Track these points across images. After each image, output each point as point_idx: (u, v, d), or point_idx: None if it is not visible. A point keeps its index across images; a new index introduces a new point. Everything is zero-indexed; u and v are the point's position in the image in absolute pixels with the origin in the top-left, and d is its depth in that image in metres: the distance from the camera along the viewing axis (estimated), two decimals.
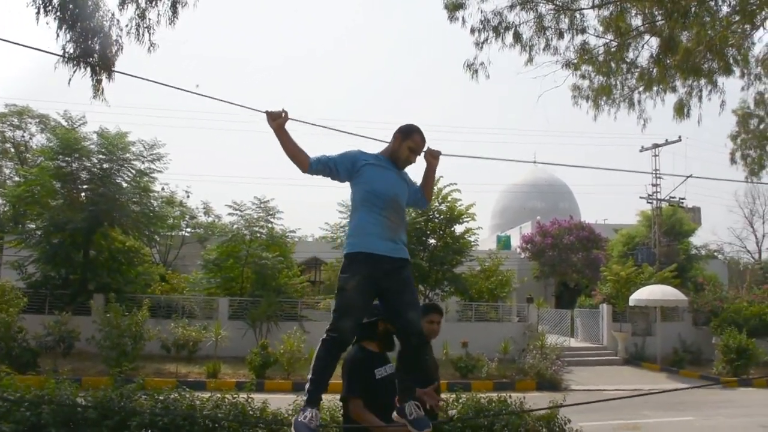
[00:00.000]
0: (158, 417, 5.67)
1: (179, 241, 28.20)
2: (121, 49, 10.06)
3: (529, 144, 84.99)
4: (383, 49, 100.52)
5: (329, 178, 3.70)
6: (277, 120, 3.48)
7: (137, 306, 15.89)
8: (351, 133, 4.15)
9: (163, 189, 27.30)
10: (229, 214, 20.40)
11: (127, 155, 18.56)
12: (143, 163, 19.07)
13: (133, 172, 18.98)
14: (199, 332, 16.70)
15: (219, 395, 6.45)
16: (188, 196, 28.37)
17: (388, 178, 3.63)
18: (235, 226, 19.92)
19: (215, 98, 3.97)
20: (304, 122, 4.14)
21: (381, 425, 4.03)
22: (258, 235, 19.49)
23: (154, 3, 9.51)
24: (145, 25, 10.35)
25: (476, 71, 11.95)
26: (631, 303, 21.64)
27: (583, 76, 12.90)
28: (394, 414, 3.64)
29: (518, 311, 22.93)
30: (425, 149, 3.80)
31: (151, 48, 10.53)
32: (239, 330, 18.16)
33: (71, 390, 6.11)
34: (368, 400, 4.17)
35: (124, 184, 18.96)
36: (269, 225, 20.11)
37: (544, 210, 38.69)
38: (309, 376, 3.47)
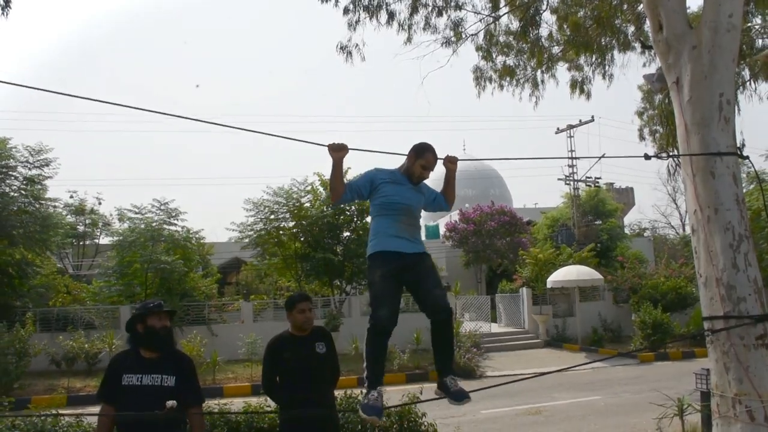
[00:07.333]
0: None
1: (93, 250, 27.03)
2: None
3: (446, 131, 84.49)
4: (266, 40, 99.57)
5: (357, 200, 4.26)
6: (339, 153, 3.83)
7: (20, 321, 14.95)
8: (389, 152, 4.49)
9: (71, 197, 26.24)
10: (128, 218, 19.52)
11: (10, 161, 17.41)
12: (30, 169, 17.93)
13: (20, 180, 17.85)
14: (92, 344, 15.82)
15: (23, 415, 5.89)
16: (99, 203, 27.28)
17: (404, 192, 4.01)
18: (135, 230, 18.99)
19: (273, 135, 4.28)
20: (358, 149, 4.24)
21: None
22: (159, 238, 18.61)
23: None
24: None
25: (350, 53, 11.60)
26: (548, 285, 21.57)
27: (485, 58, 12.67)
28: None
29: None
30: (444, 157, 4.18)
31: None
32: None
33: None
34: (120, 407, 3.92)
35: (12, 194, 17.84)
36: (171, 227, 19.27)
37: (474, 197, 38.37)
38: (363, 365, 3.81)
